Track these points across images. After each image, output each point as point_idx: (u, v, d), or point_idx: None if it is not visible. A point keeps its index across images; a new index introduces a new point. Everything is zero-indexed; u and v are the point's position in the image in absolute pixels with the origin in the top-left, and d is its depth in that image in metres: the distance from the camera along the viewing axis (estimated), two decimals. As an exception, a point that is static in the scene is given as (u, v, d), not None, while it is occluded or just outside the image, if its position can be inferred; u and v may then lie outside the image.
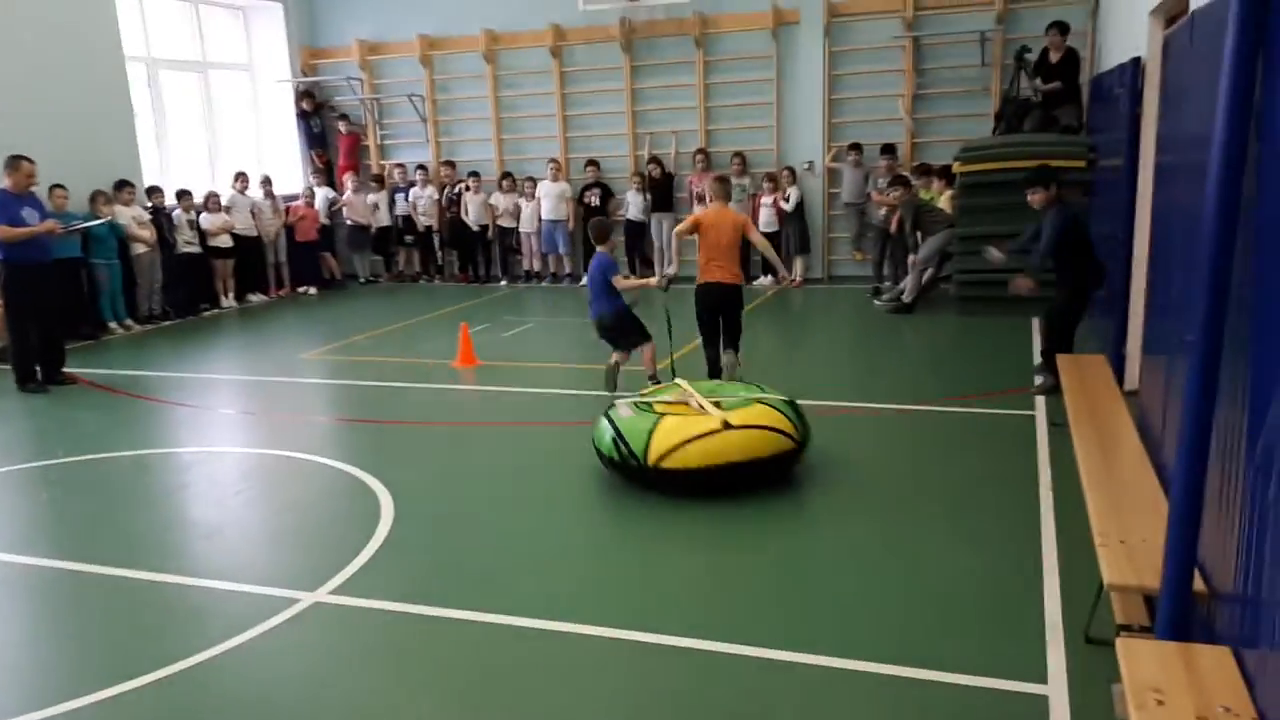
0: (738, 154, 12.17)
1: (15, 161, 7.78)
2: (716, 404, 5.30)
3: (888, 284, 10.63)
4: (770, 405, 5.24)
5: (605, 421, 5.32)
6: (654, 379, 7.04)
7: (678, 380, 5.88)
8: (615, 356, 7.13)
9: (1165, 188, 4.81)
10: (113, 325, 10.68)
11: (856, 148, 11.68)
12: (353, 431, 6.82)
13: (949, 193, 9.95)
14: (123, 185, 10.88)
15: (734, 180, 12.09)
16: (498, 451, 6.14)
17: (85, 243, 10.15)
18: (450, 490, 5.46)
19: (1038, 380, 6.85)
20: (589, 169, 12.88)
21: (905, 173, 11.05)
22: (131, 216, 10.81)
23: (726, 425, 4.99)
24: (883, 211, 10.57)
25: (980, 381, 7.18)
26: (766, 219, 12.00)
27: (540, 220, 12.98)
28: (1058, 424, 5.81)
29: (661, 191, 12.56)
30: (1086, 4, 10.69)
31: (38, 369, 8.08)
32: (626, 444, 5.06)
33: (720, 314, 7.01)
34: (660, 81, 12.81)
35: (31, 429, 7.20)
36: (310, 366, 8.79)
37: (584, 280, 8.36)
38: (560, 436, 6.30)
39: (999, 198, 9.10)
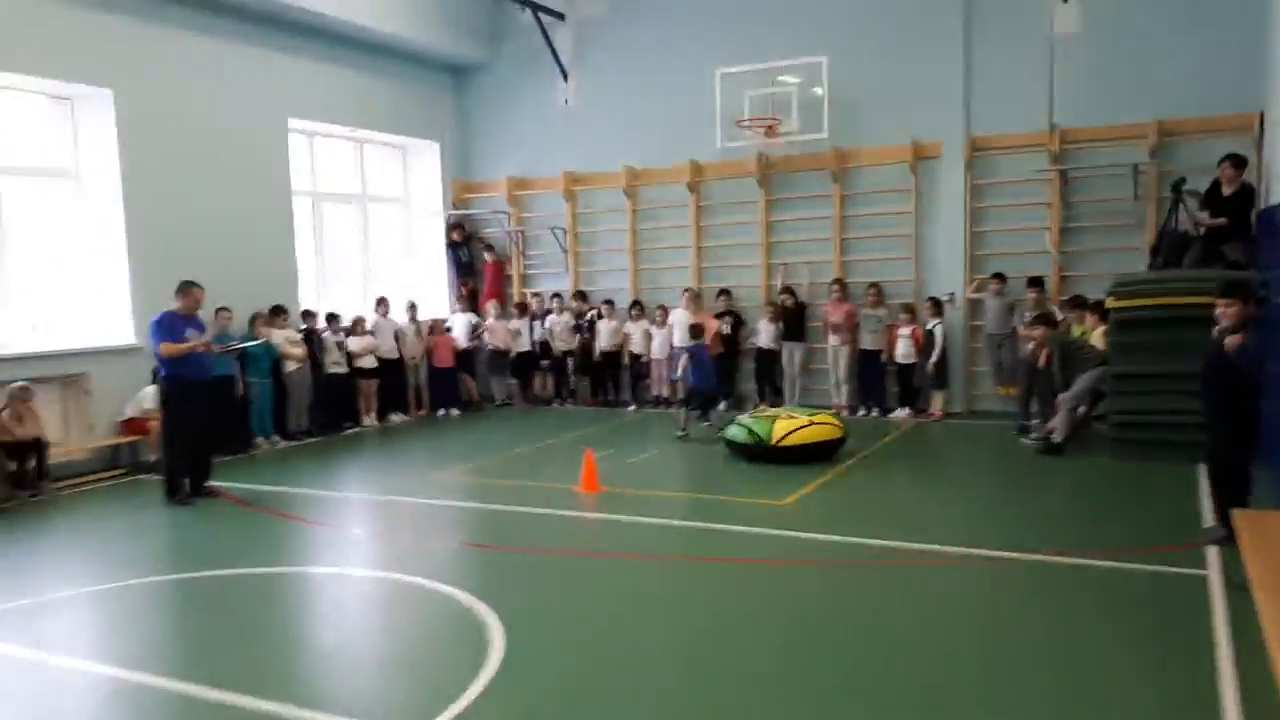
0: (873, 285, 11.97)
1: (187, 288, 8.38)
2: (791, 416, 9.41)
3: (1035, 422, 10.04)
4: (821, 416, 9.63)
5: (736, 427, 9.52)
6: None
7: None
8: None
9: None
10: (261, 440, 11.19)
11: (999, 277, 11.32)
12: (473, 556, 6.77)
13: (1101, 328, 9.42)
14: (279, 310, 11.58)
15: (868, 311, 11.92)
16: (617, 584, 5.95)
17: (242, 362, 10.78)
18: (564, 624, 5.29)
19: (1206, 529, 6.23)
20: (721, 298, 12.92)
21: (1052, 307, 10.59)
22: (285, 337, 11.45)
23: (811, 422, 9.29)
24: (1029, 345, 10.09)
25: (1141, 533, 6.56)
26: (904, 350, 11.67)
27: (672, 347, 13.04)
28: (1237, 584, 5.18)
29: (793, 320, 12.44)
30: (1250, 134, 10.19)
31: (186, 483, 8.44)
32: (757, 433, 9.21)
33: None
34: (796, 214, 12.88)
35: (170, 541, 7.48)
36: (440, 487, 8.89)
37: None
38: (678, 572, 6.07)
39: (1155, 334, 8.57)
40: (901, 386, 11.94)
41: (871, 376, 12.08)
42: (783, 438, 9.13)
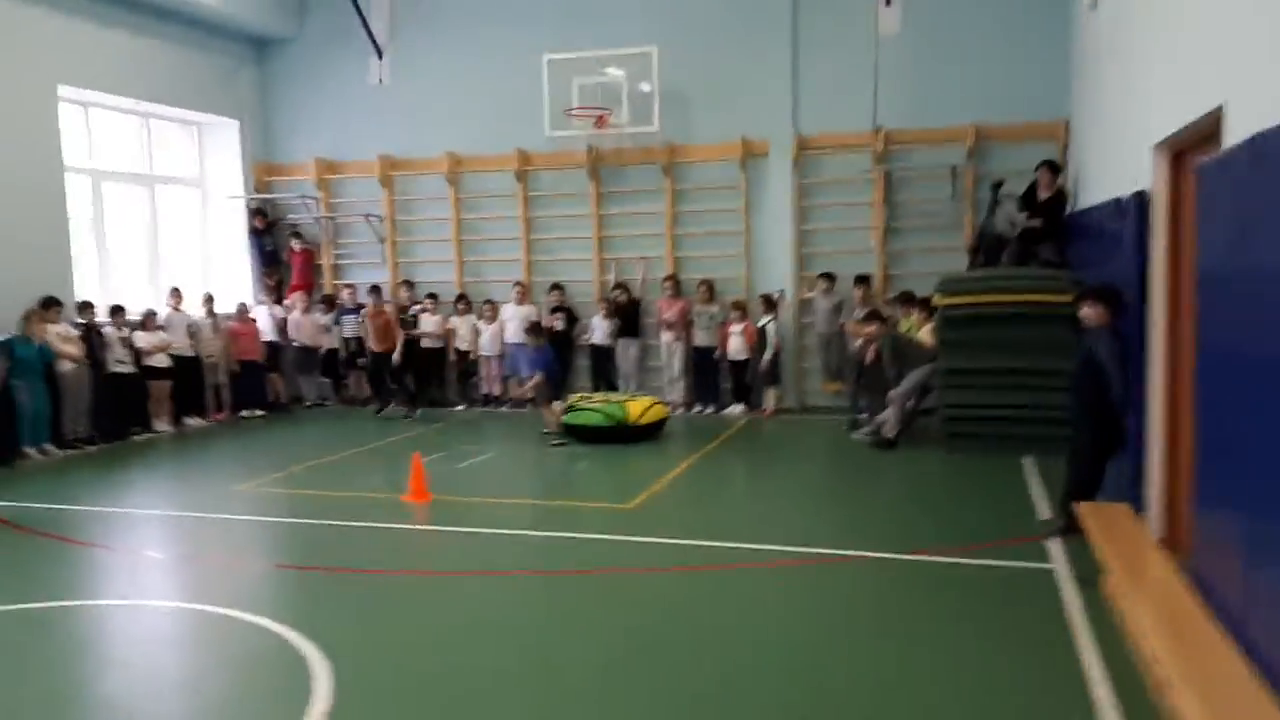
0: (704, 281, 11.84)
1: None
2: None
3: (864, 416, 10.18)
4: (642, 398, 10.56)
5: (585, 412, 10.02)
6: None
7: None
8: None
9: (1214, 327, 4.39)
10: (30, 450, 9.75)
11: (828, 276, 11.43)
12: (289, 580, 6.00)
13: (929, 325, 9.63)
14: (51, 303, 10.15)
15: (700, 308, 11.78)
16: (453, 606, 5.38)
17: (11, 365, 9.34)
18: (396, 654, 4.68)
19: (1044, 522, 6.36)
20: (553, 293, 12.46)
21: (881, 304, 10.79)
22: (56, 333, 10.05)
23: (656, 402, 10.42)
24: (859, 342, 10.21)
25: (981, 527, 6.62)
26: (736, 347, 11.60)
27: (503, 343, 12.46)
28: (1088, 581, 5.23)
29: (628, 317, 12.14)
30: (1058, 140, 10.73)
31: None
32: (614, 415, 9.82)
33: None
34: (628, 208, 12.57)
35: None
36: (245, 501, 7.96)
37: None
38: (518, 589, 5.58)
39: (982, 331, 8.81)
40: (735, 383, 11.87)
41: (705, 373, 11.94)
42: (639, 416, 9.94)
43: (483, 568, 6.00)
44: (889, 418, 9.40)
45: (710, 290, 11.82)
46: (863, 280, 11.24)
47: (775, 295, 11.74)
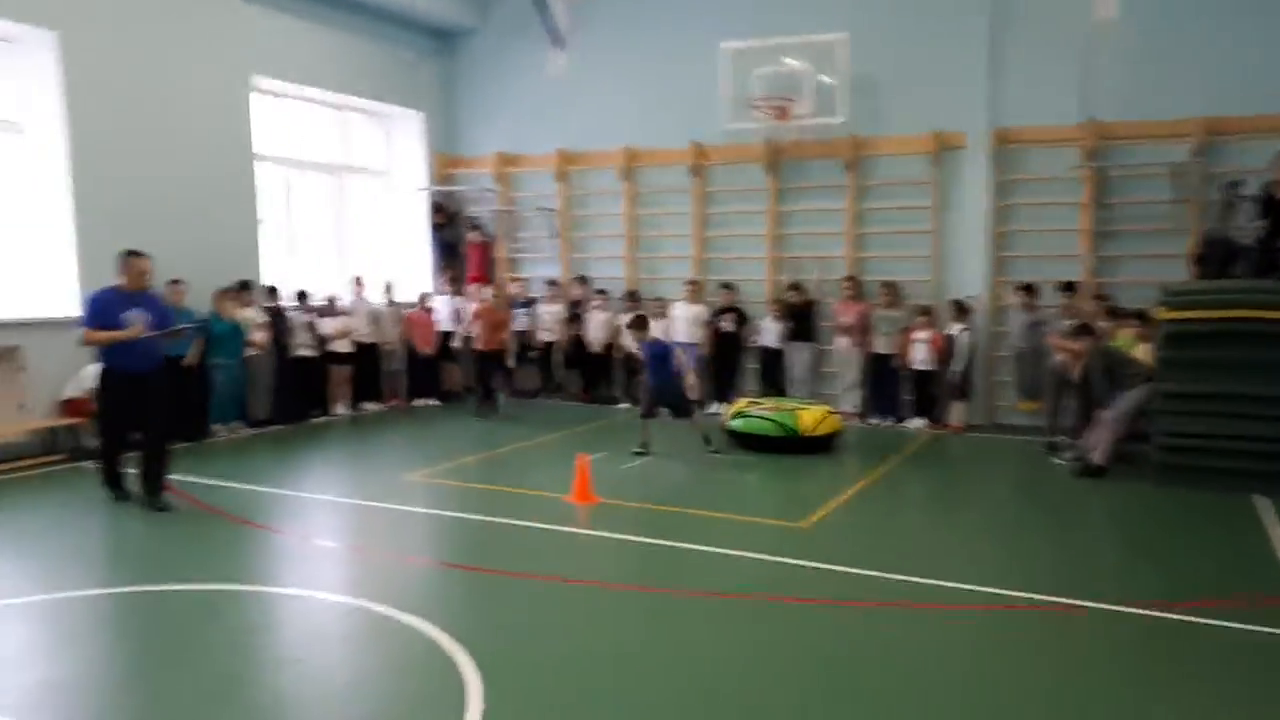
0: (887, 284, 11.11)
1: (128, 258, 7.05)
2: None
3: (1062, 439, 9.24)
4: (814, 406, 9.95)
5: (753, 419, 9.52)
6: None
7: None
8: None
9: None
10: (219, 428, 10.19)
11: (1028, 289, 10.47)
12: (449, 580, 5.83)
13: (1147, 344, 8.62)
14: (245, 286, 10.57)
15: (882, 312, 11.07)
16: (617, 621, 5.05)
17: (207, 341, 9.74)
18: (554, 675, 4.37)
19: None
20: (724, 293, 12.04)
21: (1091, 314, 9.77)
22: (247, 316, 10.45)
23: (830, 413, 9.77)
24: (1061, 357, 9.25)
25: (1212, 578, 5.74)
26: (921, 356, 10.84)
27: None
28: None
29: (801, 319, 11.56)
30: (1308, 135, 9.42)
31: (121, 474, 7.41)
32: (785, 424, 9.32)
33: None
34: (806, 205, 11.99)
35: (107, 545, 6.54)
36: (413, 491, 7.95)
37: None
38: (693, 609, 5.18)
39: (1213, 351, 7.79)
40: (918, 394, 11.11)
41: (885, 382, 11.22)
42: (814, 427, 9.38)
43: (648, 581, 5.65)
44: (1099, 442, 8.44)
45: (894, 293, 11.09)
46: (1069, 288, 10.24)
47: (969, 301, 10.89)
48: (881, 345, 11.10)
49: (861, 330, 11.27)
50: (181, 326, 8.20)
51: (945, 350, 10.74)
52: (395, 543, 6.65)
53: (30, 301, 9.27)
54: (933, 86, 11.16)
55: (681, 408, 9.56)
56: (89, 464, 8.29)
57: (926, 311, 10.94)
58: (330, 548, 6.47)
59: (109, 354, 7.10)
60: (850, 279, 11.39)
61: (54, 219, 9.28)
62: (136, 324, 6.95)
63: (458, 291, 13.15)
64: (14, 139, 9.24)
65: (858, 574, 5.76)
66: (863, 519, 7.23)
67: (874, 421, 11.20)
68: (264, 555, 6.29)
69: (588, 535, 6.68)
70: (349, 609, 5.22)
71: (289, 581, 5.73)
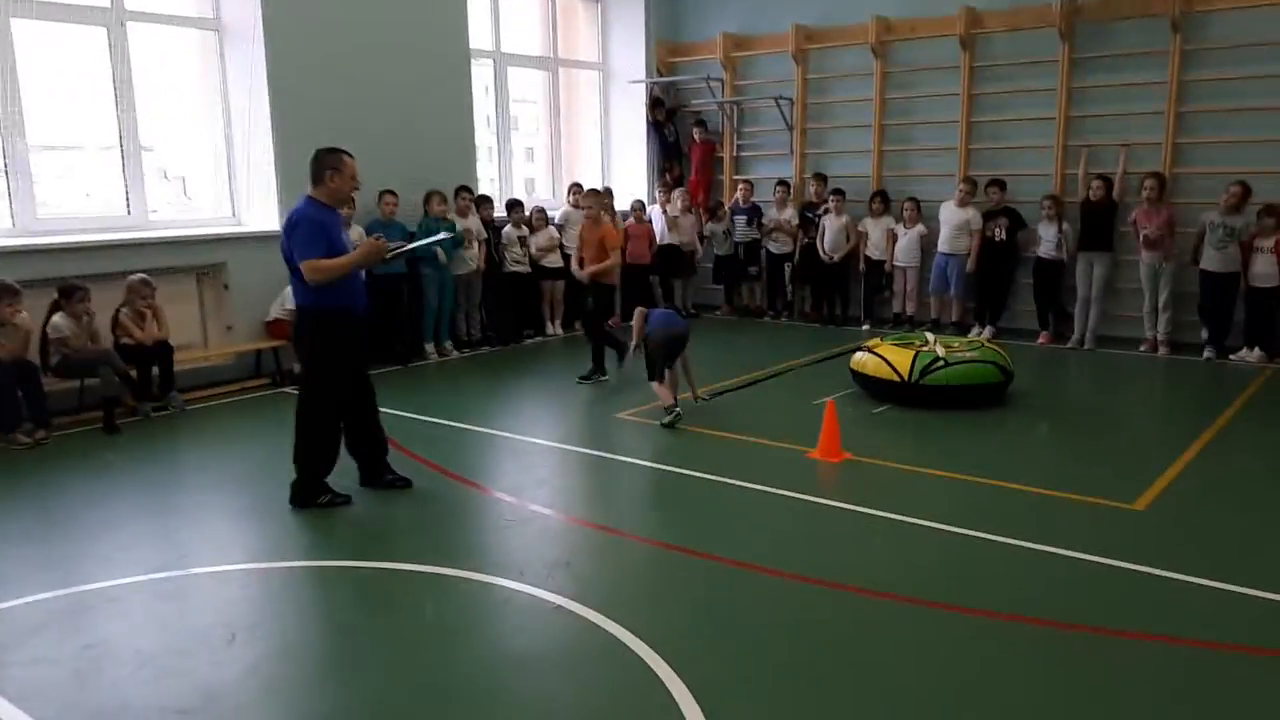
0: (1239, 183, 8.60)
1: (336, 157, 5.05)
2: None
3: None
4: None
5: (966, 365, 7.13)
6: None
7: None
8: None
9: None
10: (431, 349, 9.48)
11: None
12: (667, 570, 4.59)
13: None
14: (461, 191, 9.65)
15: (1217, 218, 8.66)
16: (873, 640, 3.63)
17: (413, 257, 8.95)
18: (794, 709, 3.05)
19: None
20: (991, 191, 9.92)
21: None
22: (471, 226, 9.59)
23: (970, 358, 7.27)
24: None
25: None
26: (1264, 270, 8.45)
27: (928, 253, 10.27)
28: None
29: (1098, 223, 9.30)
30: None
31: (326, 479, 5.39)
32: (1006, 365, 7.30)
33: None
34: (1112, 79, 9.57)
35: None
36: (622, 434, 6.80)
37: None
38: (976, 632, 3.67)
39: None
40: (1249, 319, 8.72)
41: (1216, 306, 8.84)
42: (924, 373, 7.07)
43: (918, 589, 4.14)
44: None
45: (1242, 193, 8.61)
46: None
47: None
48: (1213, 260, 8.71)
49: (1170, 241, 8.93)
50: (430, 240, 6.88)
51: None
52: (611, 506, 5.51)
53: (232, 214, 8.76)
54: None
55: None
56: (296, 390, 7.68)
57: (1274, 211, 8.46)
58: (528, 513, 5.38)
59: (326, 293, 5.01)
60: (1155, 175, 8.97)
61: (252, 125, 8.64)
62: (367, 241, 5.24)
63: (670, 196, 11.75)
64: (209, 37, 8.61)
65: (1225, 590, 4.02)
66: (1223, 496, 5.34)
67: (1207, 355, 8.87)
68: (464, 523, 5.28)
69: (831, 508, 5.21)
70: (531, 602, 4.08)
71: (497, 568, 4.68)
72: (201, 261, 8.30)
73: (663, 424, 6.82)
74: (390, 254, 5.30)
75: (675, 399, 6.98)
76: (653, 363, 7.02)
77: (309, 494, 5.29)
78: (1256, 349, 8.67)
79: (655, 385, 7.00)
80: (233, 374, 8.35)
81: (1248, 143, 8.89)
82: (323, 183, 5.06)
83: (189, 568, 4.53)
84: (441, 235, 7.22)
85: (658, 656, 3.54)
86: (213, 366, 8.25)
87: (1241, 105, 8.91)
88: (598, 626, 3.84)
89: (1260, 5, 8.69)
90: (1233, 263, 8.60)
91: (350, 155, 5.15)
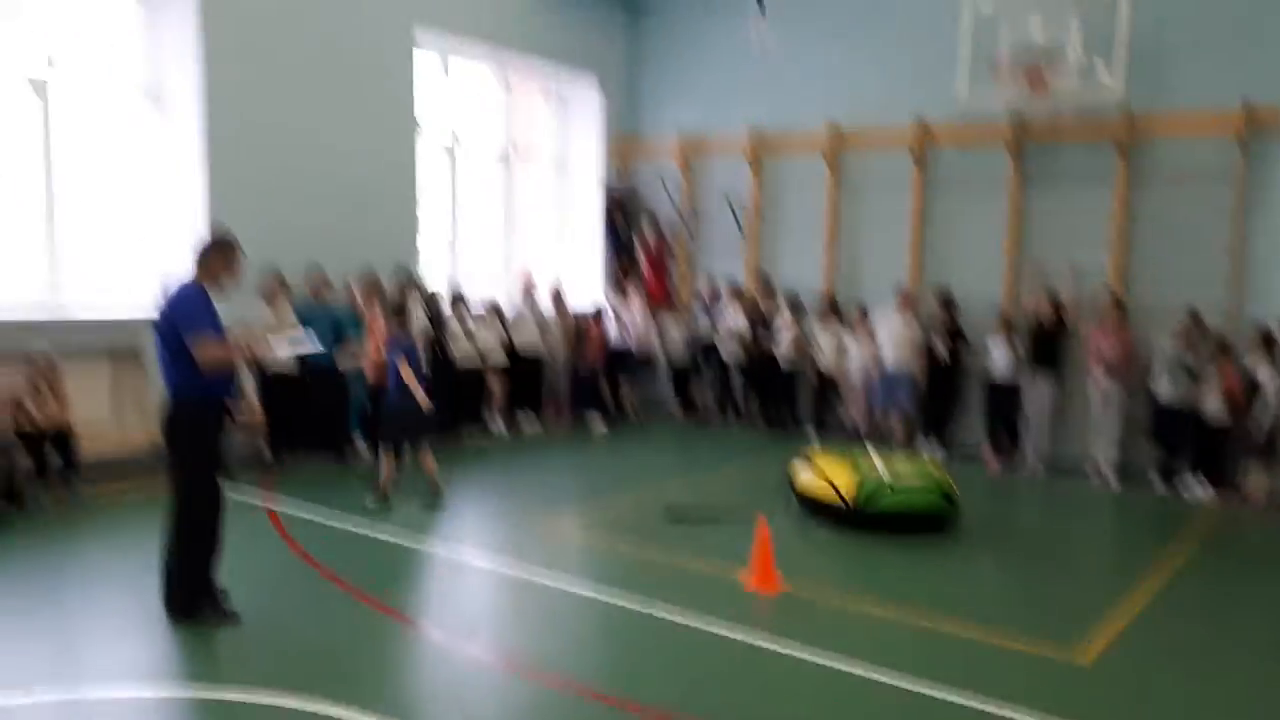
0: (1192, 314, 8.54)
1: (233, 253, 4.93)
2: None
3: None
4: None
5: (907, 491, 6.84)
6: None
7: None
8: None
9: None
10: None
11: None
12: (548, 712, 4.16)
13: None
14: (407, 284, 9.32)
15: (1173, 351, 8.55)
16: None
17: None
18: None
19: None
20: (940, 312, 9.80)
21: None
22: (419, 324, 9.25)
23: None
24: None
25: None
26: (1211, 403, 8.36)
27: (879, 366, 10.08)
28: None
29: (1047, 340, 9.17)
30: None
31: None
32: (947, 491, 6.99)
33: None
34: (1059, 202, 9.60)
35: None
36: (550, 549, 6.40)
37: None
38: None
39: None
40: (1198, 451, 8.56)
41: (1166, 435, 8.66)
42: (868, 499, 6.75)
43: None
44: None
45: (1195, 326, 8.53)
46: None
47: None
48: (1166, 391, 8.57)
49: (1126, 366, 8.84)
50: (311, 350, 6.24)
51: (1243, 396, 8.20)
52: (511, 639, 5.07)
53: (149, 294, 8.35)
54: (1244, 45, 8.59)
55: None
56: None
57: (1222, 346, 8.41)
58: (435, 643, 4.93)
59: (217, 380, 4.88)
60: (1115, 300, 8.93)
61: (186, 201, 8.32)
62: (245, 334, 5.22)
63: (624, 296, 11.54)
64: (150, 110, 8.33)
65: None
66: (1170, 662, 5.00)
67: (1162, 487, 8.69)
68: (344, 649, 4.84)
69: (768, 652, 4.82)
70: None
71: (359, 695, 4.22)
72: (119, 344, 7.85)
73: (366, 505, 7.03)
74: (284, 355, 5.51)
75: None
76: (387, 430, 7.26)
77: (192, 603, 4.86)
78: (1209, 485, 8.46)
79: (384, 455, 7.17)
80: (147, 463, 7.81)
81: (1184, 274, 8.90)
82: (209, 272, 4.89)
83: (37, 692, 4.02)
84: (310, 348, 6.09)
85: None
86: (125, 456, 7.71)
87: (1186, 236, 8.94)
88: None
89: (1202, 135, 8.80)
90: (1186, 395, 8.45)
91: (241, 250, 5.02)
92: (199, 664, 4.50)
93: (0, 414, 6.73)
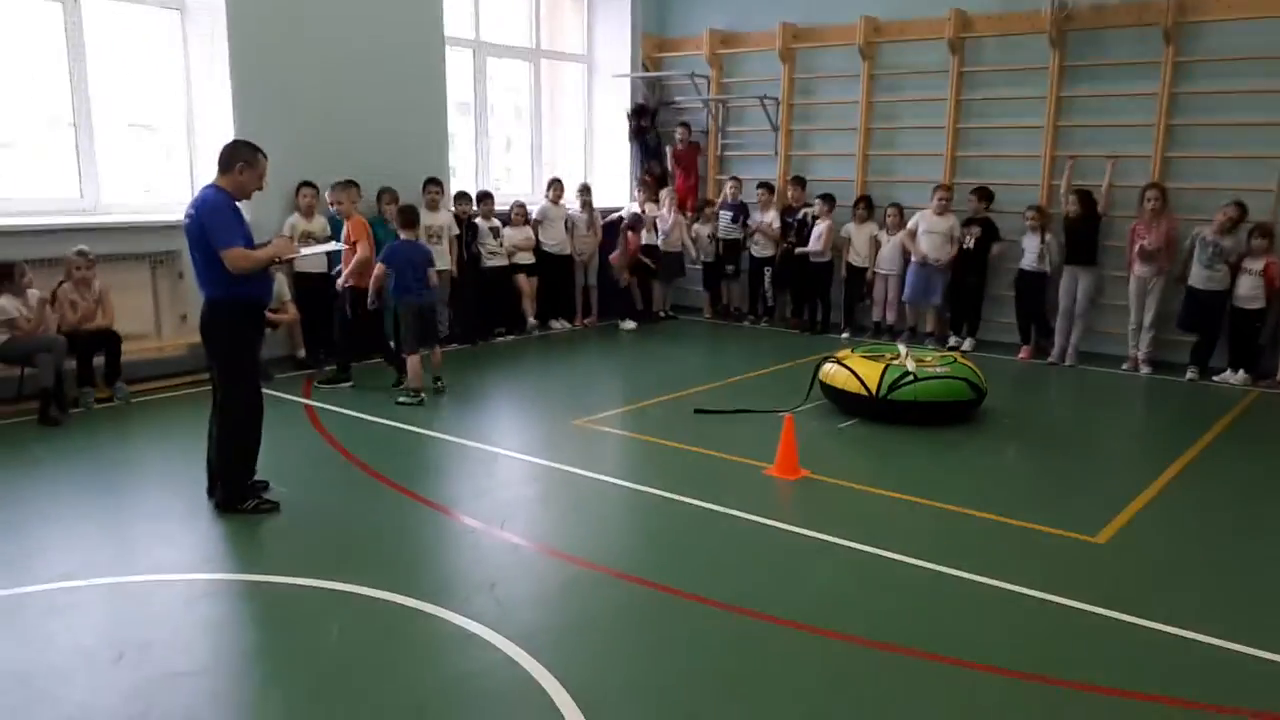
0: (1237, 202, 8.35)
1: (251, 152, 4.93)
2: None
3: None
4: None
5: (934, 380, 6.83)
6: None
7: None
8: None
9: None
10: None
11: None
12: (579, 590, 4.34)
13: None
14: (429, 184, 9.36)
15: (1210, 236, 8.41)
16: (812, 684, 3.39)
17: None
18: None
19: None
20: (973, 200, 9.67)
21: None
22: (440, 223, 9.33)
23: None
24: None
25: None
26: (1247, 290, 8.23)
27: (909, 261, 9.99)
28: None
29: (1081, 236, 9.02)
30: None
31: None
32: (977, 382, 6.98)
33: None
34: (1102, 89, 9.31)
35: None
36: (579, 443, 6.55)
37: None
38: (943, 681, 3.42)
39: None
40: (1233, 340, 8.48)
41: (1203, 324, 8.56)
42: (892, 388, 6.79)
43: (864, 627, 3.90)
44: None
45: (1238, 213, 8.34)
46: None
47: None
48: (1199, 278, 8.45)
49: (1169, 256, 8.68)
50: (335, 246, 7.12)
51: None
52: (542, 527, 5.25)
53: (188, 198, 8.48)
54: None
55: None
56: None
57: (1264, 232, 8.23)
58: (467, 531, 5.14)
59: (250, 283, 4.95)
60: (1155, 187, 8.71)
61: (213, 108, 8.37)
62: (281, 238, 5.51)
63: (650, 198, 11.45)
64: (172, 18, 8.33)
65: (1194, 640, 3.78)
66: (1190, 530, 5.09)
67: (1190, 376, 8.62)
68: (386, 539, 5.05)
69: (784, 532, 4.96)
70: (460, 639, 3.84)
71: (403, 583, 4.43)
72: (156, 249, 8.03)
73: (398, 402, 7.30)
74: (300, 255, 5.55)
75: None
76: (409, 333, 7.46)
77: (237, 496, 5.07)
78: (1240, 371, 8.44)
79: (410, 360, 7.39)
80: (186, 365, 8.08)
81: (1240, 159, 8.65)
82: (231, 173, 4.89)
83: (91, 577, 4.28)
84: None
85: (568, 698, 3.30)
86: (165, 359, 7.99)
87: (1234, 120, 8.66)
88: (511, 660, 3.59)
89: (1255, 18, 8.43)
90: (1219, 282, 8.34)
91: (265, 156, 5.01)
92: (243, 551, 4.72)
93: (46, 315, 6.93)
